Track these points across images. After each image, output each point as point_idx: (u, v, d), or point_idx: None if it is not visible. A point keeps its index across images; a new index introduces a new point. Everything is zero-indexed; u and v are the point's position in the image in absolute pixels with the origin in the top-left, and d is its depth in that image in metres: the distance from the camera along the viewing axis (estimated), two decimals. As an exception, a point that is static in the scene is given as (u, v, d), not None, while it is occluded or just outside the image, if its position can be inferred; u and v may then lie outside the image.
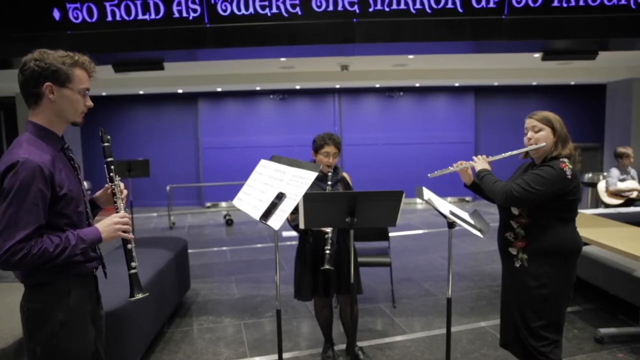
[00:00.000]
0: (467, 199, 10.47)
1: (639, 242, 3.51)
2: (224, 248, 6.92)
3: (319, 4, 4.22)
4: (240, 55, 5.66)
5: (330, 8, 4.22)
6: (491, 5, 4.18)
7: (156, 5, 4.26)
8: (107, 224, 1.79)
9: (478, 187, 2.66)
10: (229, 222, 8.61)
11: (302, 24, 4.29)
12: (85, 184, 4.74)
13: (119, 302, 2.85)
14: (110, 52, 4.52)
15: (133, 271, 1.86)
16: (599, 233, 3.79)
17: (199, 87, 9.51)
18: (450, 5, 4.19)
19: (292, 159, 2.37)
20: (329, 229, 2.89)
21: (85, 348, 1.80)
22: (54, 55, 1.70)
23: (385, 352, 3.49)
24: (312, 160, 3.18)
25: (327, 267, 2.78)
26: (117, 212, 1.85)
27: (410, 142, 10.48)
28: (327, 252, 2.83)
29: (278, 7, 4.23)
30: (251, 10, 4.24)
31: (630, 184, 5.84)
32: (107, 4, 4.25)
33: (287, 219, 2.14)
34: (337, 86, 10.08)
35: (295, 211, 2.28)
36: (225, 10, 4.25)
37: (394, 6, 4.21)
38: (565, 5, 4.16)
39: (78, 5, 4.26)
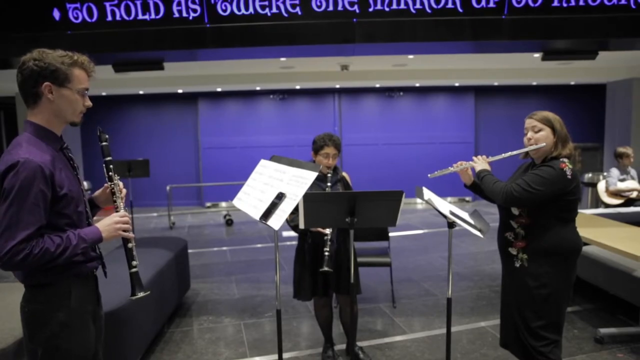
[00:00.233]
0: (467, 199, 10.47)
1: (639, 242, 3.51)
2: (224, 248, 6.92)
3: (319, 4, 4.22)
4: (240, 55, 5.66)
5: (330, 8, 4.22)
6: (491, 5, 4.18)
7: (156, 5, 4.26)
8: (108, 224, 1.79)
9: (478, 188, 2.65)
10: (229, 222, 8.61)
11: (302, 24, 4.29)
12: (85, 184, 4.74)
13: (119, 302, 2.85)
14: (110, 52, 4.52)
15: (134, 270, 1.86)
16: (599, 233, 3.79)
17: (199, 87, 9.51)
18: (450, 5, 4.19)
19: (292, 159, 2.37)
20: (327, 231, 2.89)
21: (86, 349, 1.80)
22: (53, 55, 1.69)
23: (385, 352, 3.49)
24: (311, 160, 3.18)
25: (325, 269, 2.78)
26: (117, 212, 1.85)
27: (410, 142, 10.48)
28: (326, 253, 2.83)
29: (278, 7, 4.23)
30: (251, 10, 4.24)
31: (630, 184, 5.84)
32: (107, 4, 4.25)
33: (286, 219, 2.13)
34: (337, 86, 10.08)
35: (294, 211, 2.28)
36: (225, 10, 4.25)
37: (394, 6, 4.21)
38: (565, 5, 4.16)
39: (78, 5, 4.26)
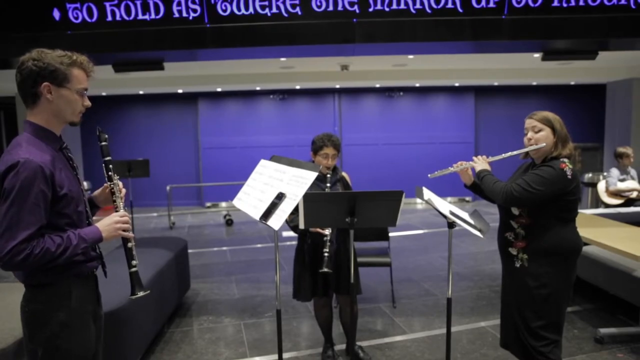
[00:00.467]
0: (467, 199, 10.47)
1: (639, 242, 3.51)
2: (224, 248, 6.92)
3: (319, 4, 4.22)
4: (240, 55, 5.66)
5: (330, 8, 4.22)
6: (491, 5, 4.18)
7: (156, 5, 4.26)
8: (107, 223, 1.79)
9: (478, 188, 2.65)
10: (229, 222, 8.61)
11: (302, 24, 4.29)
12: (85, 184, 4.73)
13: (119, 302, 2.85)
14: (110, 52, 4.52)
15: (134, 269, 1.86)
16: (599, 233, 3.79)
17: (199, 87, 9.51)
18: (450, 5, 4.19)
19: (292, 159, 2.37)
20: (327, 231, 2.89)
21: (86, 348, 1.80)
22: (52, 55, 1.69)
23: (385, 352, 3.49)
24: (311, 160, 3.18)
25: (325, 269, 2.78)
26: (117, 211, 1.85)
27: (410, 142, 10.48)
28: (326, 254, 2.82)
29: (278, 7, 4.23)
30: (251, 10, 4.24)
31: (630, 184, 5.84)
32: (107, 4, 4.25)
33: (286, 219, 2.13)
34: (337, 86, 10.08)
35: (294, 212, 2.28)
36: (225, 10, 4.25)
37: (394, 6, 4.21)
38: (565, 5, 4.16)
39: (78, 5, 4.26)
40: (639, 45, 4.94)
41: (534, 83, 10.21)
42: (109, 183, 1.90)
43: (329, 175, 3.07)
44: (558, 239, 2.35)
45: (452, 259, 2.51)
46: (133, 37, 4.36)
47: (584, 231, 2.54)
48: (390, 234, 4.68)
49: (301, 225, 2.44)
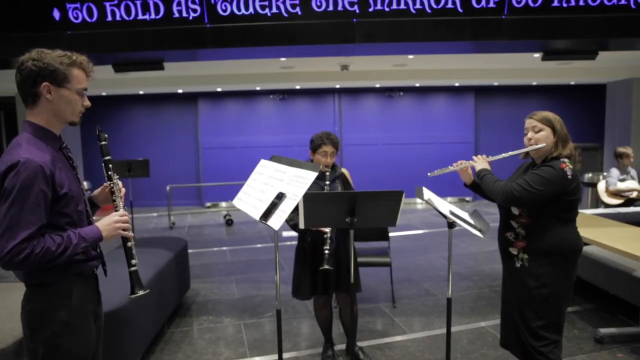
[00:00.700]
0: (467, 199, 10.47)
1: (639, 242, 3.51)
2: (224, 248, 6.92)
3: (319, 4, 4.22)
4: (240, 55, 5.66)
5: (330, 8, 4.22)
6: (491, 5, 4.18)
7: (156, 5, 4.26)
8: (107, 223, 1.79)
9: (478, 187, 2.65)
10: (229, 222, 8.61)
11: (302, 24, 4.29)
12: (85, 183, 4.72)
13: (119, 301, 2.85)
14: (110, 52, 4.52)
15: (133, 269, 1.86)
16: (599, 233, 3.79)
17: (199, 87, 9.51)
18: (450, 5, 4.19)
19: (292, 159, 2.37)
20: (327, 229, 2.89)
21: (87, 348, 1.80)
22: (52, 55, 1.69)
23: (385, 352, 3.49)
24: (309, 159, 3.18)
25: (326, 267, 2.79)
26: (117, 211, 1.86)
27: (410, 142, 10.48)
28: (326, 251, 2.83)
29: (278, 7, 4.23)
30: (251, 10, 4.24)
31: (630, 184, 5.84)
32: (107, 4, 4.25)
33: (285, 219, 2.13)
34: (337, 86, 10.08)
35: (294, 210, 2.29)
36: (225, 10, 4.25)
37: (394, 6, 4.21)
38: (565, 5, 4.16)
39: (78, 5, 4.26)
40: (639, 45, 4.94)
41: (534, 83, 10.21)
42: (108, 182, 1.90)
43: (327, 173, 3.07)
44: (558, 239, 2.35)
45: (452, 259, 2.51)
46: (133, 37, 4.36)
47: (584, 231, 2.54)
48: (390, 234, 4.68)
49: (301, 225, 2.45)
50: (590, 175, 7.83)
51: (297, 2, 4.21)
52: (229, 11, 4.25)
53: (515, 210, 2.42)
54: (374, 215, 2.50)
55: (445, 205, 2.56)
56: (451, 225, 2.46)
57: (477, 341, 3.62)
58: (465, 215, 2.60)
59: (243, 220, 8.75)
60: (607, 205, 5.92)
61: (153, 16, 4.28)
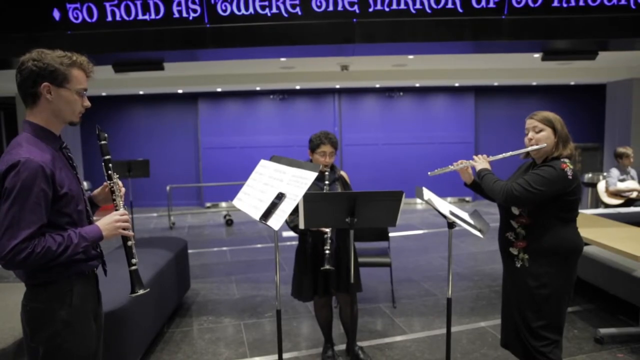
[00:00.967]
0: (467, 199, 10.47)
1: (639, 242, 3.51)
2: (224, 248, 6.92)
3: (319, 4, 4.22)
4: (240, 55, 5.66)
5: (330, 8, 4.23)
6: (491, 5, 4.18)
7: (156, 6, 4.26)
8: (108, 222, 1.80)
9: (478, 187, 2.65)
10: (229, 222, 8.61)
11: (302, 24, 4.29)
12: (85, 184, 4.72)
13: (119, 301, 2.85)
14: (110, 52, 4.52)
15: (133, 268, 1.86)
16: (599, 233, 3.79)
17: (199, 87, 9.51)
18: (450, 5, 4.19)
19: (292, 159, 2.37)
20: (327, 229, 2.89)
21: (87, 347, 1.80)
22: (52, 56, 1.70)
23: (385, 352, 3.49)
24: (308, 159, 3.17)
25: (327, 267, 2.79)
26: (117, 210, 1.86)
27: (410, 142, 10.48)
28: (327, 252, 2.83)
29: (278, 7, 4.23)
30: (251, 10, 4.24)
31: (630, 184, 5.84)
32: (107, 4, 4.25)
33: (286, 220, 2.13)
34: (337, 86, 10.08)
35: (294, 212, 2.29)
36: (225, 11, 4.25)
37: (394, 6, 4.21)
38: (565, 5, 4.16)
39: (78, 5, 4.26)
40: (639, 45, 4.94)
41: (534, 83, 10.21)
42: (108, 182, 1.90)
43: (327, 174, 3.06)
44: (558, 239, 2.35)
45: (452, 259, 2.51)
46: (133, 37, 4.36)
47: (584, 231, 2.54)
48: (390, 234, 4.68)
49: (301, 226, 2.45)
50: (590, 175, 7.82)
51: (297, 2, 4.21)
52: (228, 11, 4.25)
53: (515, 210, 2.42)
54: (374, 215, 2.50)
55: (445, 206, 2.56)
56: (451, 225, 2.46)
57: (477, 341, 3.62)
58: (465, 215, 2.60)
59: (243, 221, 8.75)
60: (607, 205, 5.92)
61: (153, 16, 4.28)
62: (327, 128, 3.47)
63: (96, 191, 2.01)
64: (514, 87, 10.49)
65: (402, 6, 4.21)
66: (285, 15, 4.24)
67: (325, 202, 2.52)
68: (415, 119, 10.53)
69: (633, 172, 5.92)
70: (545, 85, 10.44)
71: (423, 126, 10.51)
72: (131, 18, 4.28)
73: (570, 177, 2.30)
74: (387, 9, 4.21)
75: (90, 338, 1.82)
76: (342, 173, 3.25)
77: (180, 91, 10.24)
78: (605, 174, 6.71)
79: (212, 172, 10.36)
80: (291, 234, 3.17)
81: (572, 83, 10.22)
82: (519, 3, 4.17)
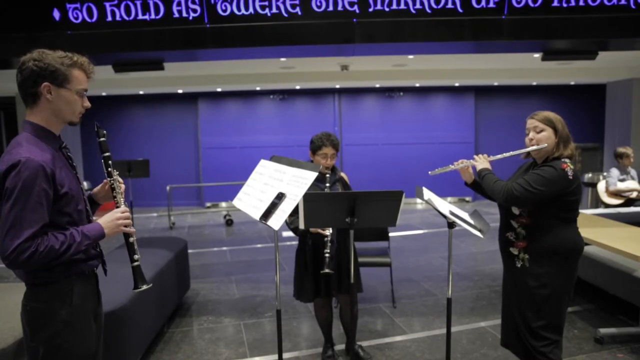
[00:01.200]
0: (467, 199, 10.47)
1: (639, 242, 3.51)
2: (224, 248, 6.92)
3: (319, 4, 4.22)
4: (240, 55, 5.66)
5: (330, 8, 4.23)
6: (491, 5, 4.18)
7: (156, 6, 4.26)
8: (109, 220, 1.80)
9: (479, 186, 2.65)
10: (229, 222, 8.61)
11: (302, 24, 4.29)
12: (84, 184, 4.72)
13: (120, 301, 2.85)
14: (110, 52, 4.52)
15: (136, 264, 1.87)
16: (599, 233, 3.79)
17: (199, 87, 9.51)
18: (450, 5, 4.19)
19: (292, 159, 2.37)
20: (328, 232, 2.89)
21: (87, 347, 1.80)
22: (53, 56, 1.70)
23: (385, 352, 3.49)
24: (309, 160, 3.17)
25: (327, 270, 2.78)
26: (118, 207, 1.86)
27: (410, 142, 10.49)
28: (327, 255, 2.82)
29: (278, 7, 4.23)
30: (251, 10, 4.24)
31: (630, 184, 5.84)
32: (107, 4, 4.25)
33: (286, 221, 2.13)
34: (337, 86, 10.08)
35: (294, 213, 2.28)
36: (225, 11, 4.25)
37: (394, 6, 4.21)
38: (565, 5, 4.17)
39: (78, 5, 4.26)
40: (639, 45, 4.94)
41: (534, 83, 10.21)
42: (108, 179, 1.90)
43: (328, 175, 3.06)
44: (559, 239, 2.35)
45: (452, 259, 2.51)
46: (133, 37, 4.36)
47: (584, 231, 2.54)
48: (390, 234, 4.68)
49: (301, 226, 2.44)
50: (590, 175, 7.82)
51: (297, 2, 4.21)
52: (228, 11, 4.25)
53: (515, 210, 2.42)
54: (374, 215, 2.50)
55: (445, 205, 2.56)
56: (451, 225, 2.46)
57: (477, 341, 3.62)
58: (465, 215, 2.60)
59: (243, 221, 8.76)
60: (607, 205, 5.92)
61: (153, 16, 4.28)
62: (327, 128, 3.47)
63: (96, 189, 2.01)
64: (514, 87, 10.50)
65: (402, 6, 4.21)
66: (285, 15, 4.24)
67: (325, 202, 2.52)
68: (415, 119, 10.53)
69: (633, 172, 5.92)
70: (545, 85, 10.45)
71: (423, 126, 10.51)
72: (131, 18, 4.28)
73: (571, 177, 2.30)
74: (387, 9, 4.21)
75: (90, 338, 1.82)
76: (342, 174, 3.25)
77: (180, 91, 10.24)
78: (605, 174, 6.71)
79: (212, 172, 10.36)
80: (291, 233, 3.17)
81: (572, 83, 10.22)
82: (519, 3, 4.17)
